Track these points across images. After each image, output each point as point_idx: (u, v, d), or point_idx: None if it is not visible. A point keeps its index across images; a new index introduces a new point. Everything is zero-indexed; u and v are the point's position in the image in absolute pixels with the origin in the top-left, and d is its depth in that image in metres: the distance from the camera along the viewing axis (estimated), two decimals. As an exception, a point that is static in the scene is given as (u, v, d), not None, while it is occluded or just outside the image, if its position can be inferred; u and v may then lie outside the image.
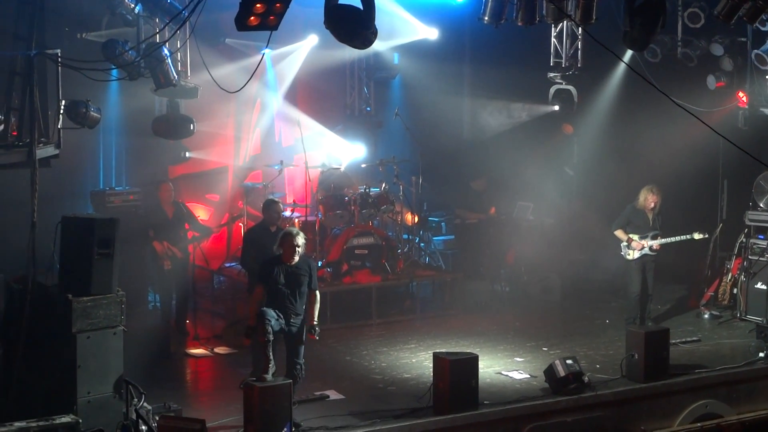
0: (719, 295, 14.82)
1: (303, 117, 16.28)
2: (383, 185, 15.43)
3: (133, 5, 12.25)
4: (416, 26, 17.03)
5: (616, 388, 11.39)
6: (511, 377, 11.81)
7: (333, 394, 11.14)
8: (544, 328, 14.14)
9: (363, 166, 16.76)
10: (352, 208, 15.01)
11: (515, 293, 15.90)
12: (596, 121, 16.71)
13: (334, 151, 17.05)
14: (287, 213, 14.67)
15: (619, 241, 13.67)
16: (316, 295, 10.42)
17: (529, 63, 15.79)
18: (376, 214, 15.32)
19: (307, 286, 10.32)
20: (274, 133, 17.40)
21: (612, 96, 16.55)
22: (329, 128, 17.23)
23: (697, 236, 13.58)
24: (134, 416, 9.40)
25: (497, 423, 10.60)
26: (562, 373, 11.03)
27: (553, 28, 14.56)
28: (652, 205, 13.56)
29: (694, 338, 13.51)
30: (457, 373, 10.44)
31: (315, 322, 10.34)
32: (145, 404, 9.57)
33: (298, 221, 14.74)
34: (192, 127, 13.88)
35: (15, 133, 10.54)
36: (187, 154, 16.37)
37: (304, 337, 10.31)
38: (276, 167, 15.42)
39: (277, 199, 12.67)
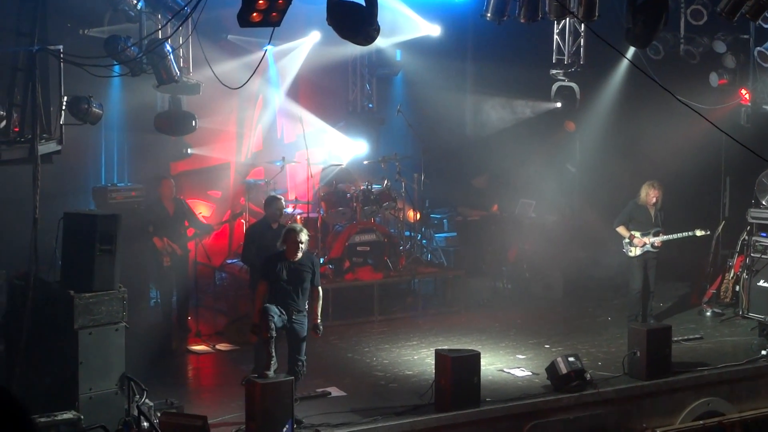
0: (721, 293, 14.81)
1: (305, 113, 16.28)
2: (385, 182, 15.41)
3: (135, 1, 12.22)
4: (419, 23, 17.02)
5: (618, 385, 11.39)
6: (513, 374, 11.81)
7: (335, 391, 11.14)
8: (546, 325, 14.13)
9: (365, 162, 16.75)
10: (354, 205, 15.00)
11: (517, 290, 15.91)
12: (598, 118, 16.69)
13: (336, 147, 17.05)
14: (289, 210, 14.66)
15: (621, 238, 13.67)
16: (319, 292, 10.41)
17: (531, 60, 15.77)
18: (378, 211, 15.31)
19: (310, 282, 10.32)
20: (276, 129, 17.39)
21: (614, 93, 16.53)
22: (331, 125, 17.22)
23: (699, 233, 13.57)
24: (136, 413, 9.39)
25: (499, 420, 10.60)
26: (564, 370, 11.03)
27: (555, 25, 14.54)
28: (654, 200, 13.54)
29: (696, 336, 13.51)
30: (459, 370, 10.43)
31: (319, 321, 10.34)
32: (146, 401, 9.56)
33: (300, 218, 14.73)
34: (194, 124, 13.86)
35: (17, 129, 10.51)
36: (189, 151, 16.36)
37: (306, 333, 10.30)
38: (278, 164, 15.40)
39: (278, 196, 12.63)
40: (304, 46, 16.77)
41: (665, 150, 16.04)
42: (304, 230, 10.38)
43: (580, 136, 17.32)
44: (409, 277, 15.00)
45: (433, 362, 10.79)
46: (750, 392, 11.99)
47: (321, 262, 13.92)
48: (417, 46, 17.34)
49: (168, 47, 11.86)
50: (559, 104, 15.44)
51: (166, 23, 11.96)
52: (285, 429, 9.43)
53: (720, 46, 14.81)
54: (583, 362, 11.31)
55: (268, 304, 10.01)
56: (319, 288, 10.44)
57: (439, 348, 11.22)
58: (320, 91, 17.68)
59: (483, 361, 10.93)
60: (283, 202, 12.63)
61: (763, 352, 12.54)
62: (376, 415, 10.28)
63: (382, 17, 9.78)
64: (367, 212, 15.09)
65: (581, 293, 15.80)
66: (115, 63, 11.80)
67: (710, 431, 10.90)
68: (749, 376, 12.08)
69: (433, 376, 10.70)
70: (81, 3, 13.33)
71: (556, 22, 14.17)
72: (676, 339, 12.41)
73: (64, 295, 9.48)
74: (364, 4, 9.52)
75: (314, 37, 16.60)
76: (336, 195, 15.08)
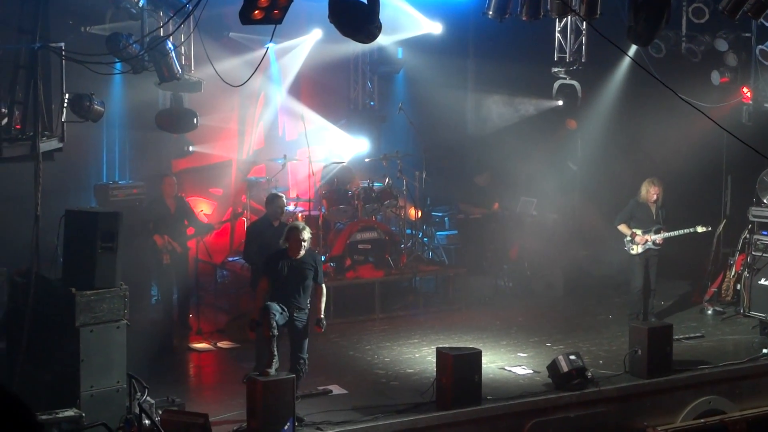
0: (722, 291, 14.81)
1: (306, 111, 16.28)
2: (387, 180, 15.41)
3: (137, -1, 12.25)
4: (420, 21, 17.02)
5: (619, 383, 11.38)
6: (514, 372, 11.81)
7: (336, 389, 11.14)
8: (548, 323, 14.13)
9: (366, 160, 16.74)
10: (356, 202, 14.99)
11: (518, 289, 15.91)
12: (600, 116, 16.68)
13: (337, 145, 17.04)
14: (290, 207, 14.66)
15: (622, 236, 13.66)
16: (322, 289, 10.41)
17: (533, 58, 15.76)
18: (380, 209, 15.31)
19: (313, 280, 10.32)
20: (278, 127, 17.40)
21: (616, 91, 16.52)
22: (333, 122, 17.22)
23: (700, 229, 13.55)
24: (137, 410, 9.38)
25: (500, 418, 10.60)
26: (565, 368, 11.02)
27: (557, 23, 14.51)
28: (655, 197, 13.54)
29: (698, 334, 13.51)
30: (461, 368, 10.42)
31: (322, 315, 10.34)
32: (148, 398, 9.56)
33: (302, 216, 14.72)
34: (195, 121, 13.86)
35: (18, 127, 10.52)
36: (191, 148, 16.37)
37: (308, 331, 10.30)
38: (279, 161, 15.39)
39: (280, 194, 12.63)
40: (305, 44, 16.78)
41: (666, 148, 16.04)
42: (307, 228, 10.38)
43: (581, 134, 17.33)
44: (410, 275, 14.98)
45: (435, 360, 10.77)
46: (751, 390, 11.99)
47: (322, 260, 13.92)
48: (418, 44, 17.34)
49: (170, 45, 11.86)
50: (560, 102, 15.41)
51: (168, 21, 11.97)
52: (286, 427, 9.43)
53: (722, 44, 14.80)
54: (585, 360, 11.30)
55: (269, 302, 10.01)
56: (323, 285, 10.44)
57: (441, 346, 11.21)
58: (322, 89, 17.68)
59: (484, 359, 10.92)
60: (285, 200, 12.61)
61: (764, 351, 12.54)
62: (378, 413, 10.28)
63: (384, 15, 9.77)
64: (368, 210, 15.09)
65: (582, 291, 15.80)
66: (117, 60, 11.81)
67: (711, 430, 10.91)
68: (750, 374, 12.08)
69: (435, 374, 10.69)
70: (83, 0, 13.33)
71: (557, 19, 14.14)
72: (677, 337, 12.41)
73: (65, 293, 9.47)
74: (365, 1, 9.51)
75: (316, 34, 16.61)
76: (337, 193, 15.07)
